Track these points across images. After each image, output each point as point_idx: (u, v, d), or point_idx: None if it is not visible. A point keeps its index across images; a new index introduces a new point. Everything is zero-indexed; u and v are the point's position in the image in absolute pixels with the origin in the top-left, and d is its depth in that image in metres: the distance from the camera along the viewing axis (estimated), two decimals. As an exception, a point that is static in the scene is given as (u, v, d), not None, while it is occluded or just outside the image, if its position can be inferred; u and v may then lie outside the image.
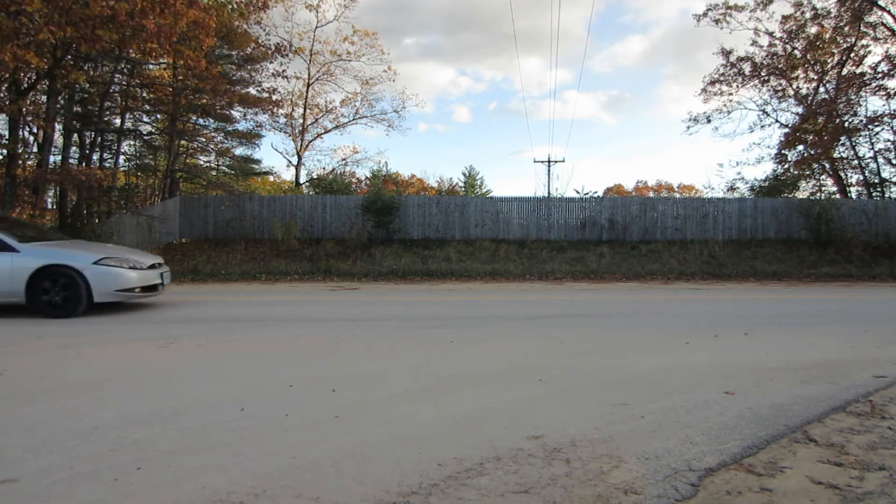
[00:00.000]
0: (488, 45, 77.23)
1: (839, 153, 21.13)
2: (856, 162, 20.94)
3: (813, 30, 20.69)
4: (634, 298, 8.49)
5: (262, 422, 2.84)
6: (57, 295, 6.33)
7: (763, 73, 21.66)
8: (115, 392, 3.39)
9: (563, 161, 31.67)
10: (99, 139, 17.47)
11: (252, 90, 18.08)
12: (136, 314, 6.70)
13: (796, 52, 21.29)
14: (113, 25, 10.76)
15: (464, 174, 39.27)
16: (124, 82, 17.00)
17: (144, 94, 18.38)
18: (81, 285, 6.34)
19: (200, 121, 21.23)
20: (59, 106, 14.64)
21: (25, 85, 12.89)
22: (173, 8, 10.91)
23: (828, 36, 20.39)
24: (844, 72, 20.35)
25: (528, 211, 16.82)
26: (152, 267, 7.08)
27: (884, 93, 18.69)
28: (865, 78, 19.14)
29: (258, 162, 26.79)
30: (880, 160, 20.42)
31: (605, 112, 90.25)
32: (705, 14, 21.65)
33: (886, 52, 18.99)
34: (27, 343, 4.89)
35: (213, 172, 24.55)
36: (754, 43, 21.67)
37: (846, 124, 19.60)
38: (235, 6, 16.18)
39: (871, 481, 2.15)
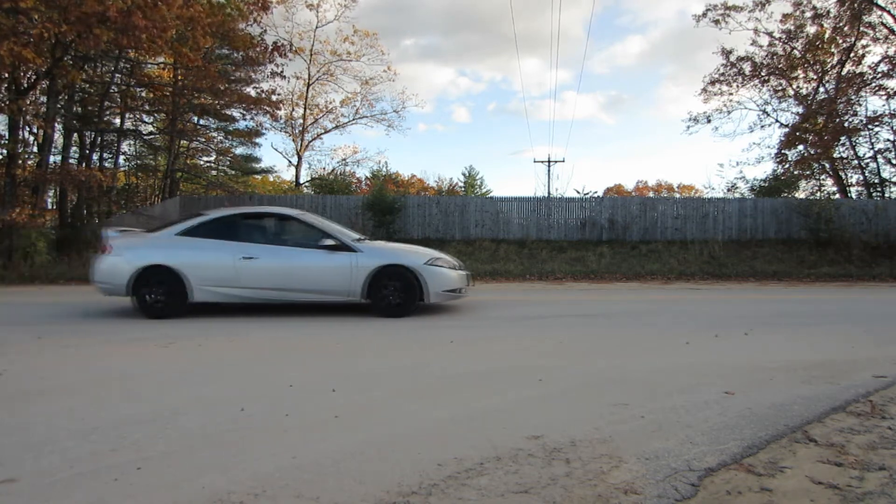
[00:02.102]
0: (487, 45, 77.25)
1: (839, 153, 21.12)
2: (856, 162, 20.93)
3: (812, 30, 20.69)
4: (634, 298, 8.49)
5: (262, 422, 2.84)
6: (394, 294, 6.38)
7: (763, 73, 21.65)
8: (116, 392, 3.39)
9: (563, 161, 31.68)
10: (99, 139, 17.47)
11: (251, 90, 18.08)
12: (136, 313, 6.70)
13: (796, 52, 21.29)
14: (107, 23, 10.75)
15: (464, 174, 39.25)
16: (124, 82, 17.00)
17: (144, 94, 18.38)
18: (416, 285, 6.36)
19: (200, 121, 21.25)
20: (59, 106, 14.64)
21: (25, 85, 12.89)
22: (165, 3, 10.89)
23: (827, 36, 20.39)
24: (844, 72, 20.34)
25: (528, 211, 16.81)
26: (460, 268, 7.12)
27: (884, 93, 18.69)
28: (865, 78, 19.14)
29: (258, 161, 26.79)
30: (880, 160, 20.42)
31: (604, 112, 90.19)
32: (704, 14, 21.64)
33: (886, 52, 18.99)
34: (27, 343, 4.89)
35: (214, 172, 24.56)
36: (754, 43, 21.67)
37: (846, 124, 19.59)
38: (235, 7, 16.17)
39: (871, 481, 2.15)
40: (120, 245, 6.37)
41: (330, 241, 6.42)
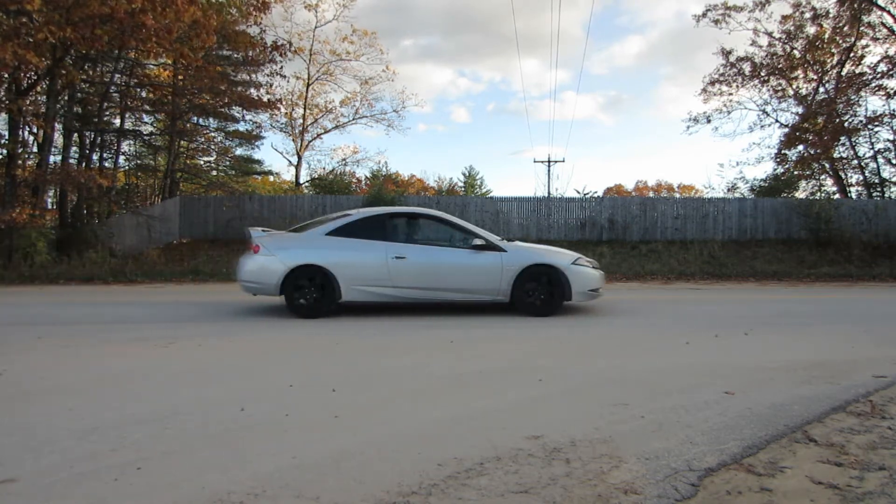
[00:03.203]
0: (486, 46, 77.24)
1: (839, 153, 21.12)
2: (856, 162, 20.93)
3: (812, 30, 20.70)
4: (634, 298, 8.49)
5: (262, 422, 2.84)
6: (540, 294, 6.41)
7: (763, 73, 21.65)
8: (115, 392, 3.39)
9: (563, 161, 31.70)
10: (99, 139, 17.46)
11: (252, 90, 18.07)
12: (136, 313, 6.70)
13: (796, 52, 21.29)
14: (112, 24, 10.75)
15: (463, 174, 39.27)
16: (124, 82, 17.00)
17: (144, 94, 18.37)
18: (563, 285, 6.37)
19: (200, 121, 21.24)
20: (59, 106, 14.64)
21: (25, 85, 12.89)
22: (174, 6, 10.91)
23: (827, 36, 20.39)
24: (844, 72, 20.35)
25: (529, 211, 16.82)
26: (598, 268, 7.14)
27: (883, 93, 18.69)
28: (865, 78, 19.13)
29: (259, 162, 26.79)
30: (880, 160, 20.42)
31: (603, 112, 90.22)
32: (704, 15, 21.66)
33: (886, 52, 18.99)
34: (27, 343, 4.89)
35: (214, 172, 24.55)
36: (754, 43, 21.67)
37: (846, 124, 19.59)
38: (236, 7, 16.18)
39: (871, 481, 2.15)
40: (270, 245, 6.39)
41: (479, 241, 6.49)
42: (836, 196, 20.42)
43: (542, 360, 4.25)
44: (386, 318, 6.30)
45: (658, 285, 10.82)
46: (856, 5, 18.67)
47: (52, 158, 14.39)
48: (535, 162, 40.72)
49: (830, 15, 19.90)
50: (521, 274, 6.35)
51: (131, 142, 21.17)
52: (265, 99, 18.00)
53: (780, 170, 21.60)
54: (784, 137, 21.43)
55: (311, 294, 6.27)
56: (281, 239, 6.56)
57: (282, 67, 17.75)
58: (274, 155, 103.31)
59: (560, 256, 6.62)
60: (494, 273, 6.36)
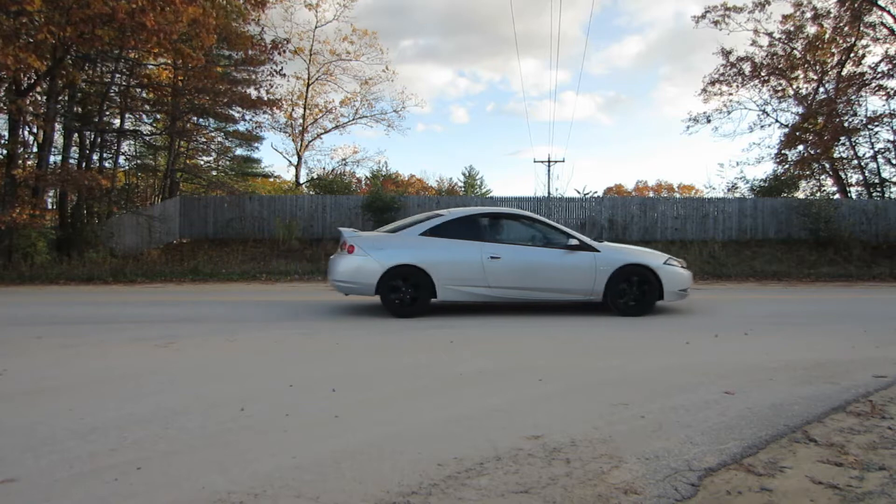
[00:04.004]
0: (485, 46, 77.26)
1: (839, 153, 21.12)
2: (856, 162, 20.93)
3: (812, 30, 20.70)
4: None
5: (262, 422, 2.84)
6: (633, 294, 6.46)
7: (763, 73, 21.66)
8: (115, 392, 3.38)
9: (563, 161, 31.69)
10: (99, 139, 17.45)
11: (251, 91, 18.07)
12: (136, 313, 6.70)
13: (796, 52, 21.29)
14: (113, 24, 10.76)
15: (463, 174, 39.28)
16: (124, 82, 16.99)
17: (144, 95, 18.37)
18: (655, 285, 6.43)
19: (200, 121, 21.24)
20: (59, 106, 14.64)
21: (25, 85, 12.88)
22: (173, 6, 10.91)
23: (827, 36, 20.39)
24: (844, 72, 20.34)
25: (529, 211, 16.81)
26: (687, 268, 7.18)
27: (883, 93, 18.70)
28: (865, 78, 19.14)
29: (258, 162, 26.84)
30: (880, 160, 20.42)
31: (602, 113, 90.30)
32: (704, 16, 21.68)
33: (886, 52, 18.98)
34: (27, 343, 4.89)
35: (214, 172, 24.55)
36: (754, 43, 21.68)
37: (846, 124, 19.59)
38: (235, 7, 16.18)
39: (871, 481, 2.15)
40: (366, 245, 6.43)
41: (574, 241, 6.54)
42: (836, 196, 20.43)
43: (542, 360, 4.25)
44: (386, 319, 6.30)
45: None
46: (856, 5, 18.67)
47: (52, 158, 14.39)
48: (535, 162, 40.77)
49: (831, 15, 19.91)
50: (615, 274, 6.41)
51: (131, 142, 21.17)
52: (265, 98, 18.01)
53: (780, 170, 21.60)
54: (784, 137, 21.44)
55: (406, 294, 6.33)
56: (376, 239, 6.61)
57: (281, 68, 17.76)
58: (274, 155, 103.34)
59: (652, 256, 6.71)
60: (588, 273, 6.42)
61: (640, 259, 6.56)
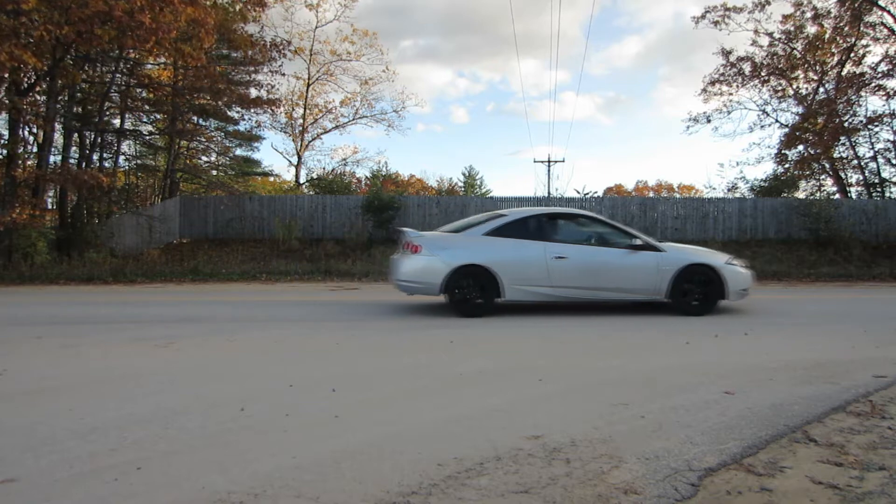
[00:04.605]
0: (485, 47, 77.27)
1: (839, 153, 21.12)
2: (856, 162, 20.93)
3: (813, 30, 20.70)
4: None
5: (262, 422, 2.84)
6: (697, 294, 6.52)
7: (763, 73, 21.66)
8: (115, 392, 3.38)
9: (563, 161, 31.69)
10: (99, 139, 17.45)
11: (251, 90, 18.07)
12: (136, 313, 6.70)
13: (796, 52, 21.28)
14: (111, 23, 10.76)
15: (463, 174, 39.30)
16: (124, 82, 16.99)
17: (144, 94, 18.36)
18: (719, 284, 6.46)
19: (200, 121, 21.23)
20: (58, 106, 14.63)
21: (25, 85, 12.88)
22: (172, 6, 10.92)
23: (828, 36, 20.39)
24: (844, 72, 20.34)
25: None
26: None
27: (883, 93, 18.70)
28: (865, 78, 19.14)
29: (258, 164, 26.80)
30: (880, 160, 20.42)
31: (602, 113, 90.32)
32: (703, 16, 21.67)
33: (886, 52, 18.98)
34: (27, 343, 4.89)
35: (214, 172, 24.55)
36: (754, 43, 21.67)
37: (846, 124, 19.59)
38: (236, 8, 16.19)
39: (871, 481, 2.15)
40: (432, 245, 6.48)
41: (638, 241, 6.60)
42: (836, 196, 20.43)
43: (541, 360, 4.25)
44: (386, 319, 6.30)
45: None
46: (856, 5, 18.67)
47: (52, 158, 14.39)
48: (535, 162, 40.80)
49: (831, 15, 19.91)
50: (679, 274, 6.45)
51: (131, 142, 21.17)
52: (265, 97, 18.01)
53: (780, 170, 21.61)
54: (784, 137, 21.44)
55: (472, 293, 6.37)
56: (442, 239, 6.66)
57: (281, 65, 17.78)
58: (274, 155, 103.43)
59: (715, 256, 6.77)
60: (652, 273, 6.47)
61: (704, 259, 6.63)
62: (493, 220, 6.76)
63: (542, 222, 6.73)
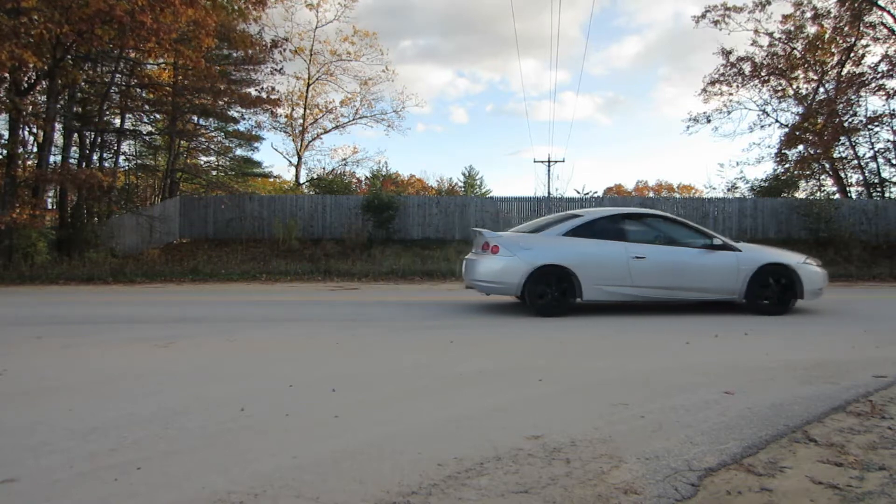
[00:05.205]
0: (485, 47, 77.28)
1: (839, 153, 21.13)
2: (856, 162, 20.93)
3: (813, 30, 20.71)
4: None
5: (262, 422, 2.83)
6: (774, 294, 6.54)
7: (763, 73, 21.66)
8: (115, 392, 3.38)
9: (563, 161, 31.69)
10: (99, 139, 17.46)
11: (252, 90, 18.08)
12: (136, 313, 6.70)
13: (796, 52, 21.28)
14: (112, 23, 10.77)
15: (463, 174, 39.30)
16: (124, 82, 16.99)
17: (144, 94, 18.37)
18: (796, 284, 6.50)
19: (200, 121, 21.24)
20: (59, 106, 14.64)
21: (25, 85, 12.89)
22: (172, 6, 10.93)
23: (827, 36, 20.39)
24: (844, 72, 20.35)
25: (529, 211, 16.82)
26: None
27: (883, 93, 18.71)
28: (865, 78, 19.14)
29: (258, 164, 26.80)
30: (880, 160, 20.43)
31: (601, 113, 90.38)
32: (704, 16, 21.67)
33: (886, 52, 18.98)
34: (27, 343, 4.89)
35: (214, 172, 24.56)
36: (754, 43, 21.68)
37: (846, 124, 19.59)
38: (236, 7, 16.19)
39: (871, 481, 2.15)
40: (512, 245, 6.50)
41: (717, 241, 6.62)
42: (836, 196, 20.43)
43: (541, 360, 4.25)
44: (386, 319, 6.30)
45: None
46: (856, 5, 18.67)
47: (52, 158, 14.41)
48: (535, 162, 40.78)
49: (831, 15, 19.91)
50: (756, 273, 6.46)
51: (131, 142, 21.18)
52: (265, 97, 18.01)
53: (781, 170, 21.62)
54: (784, 137, 21.44)
55: (551, 293, 6.37)
56: (521, 240, 6.67)
57: (282, 68, 17.79)
58: (274, 156, 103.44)
59: (791, 256, 6.78)
60: (730, 272, 6.49)
61: (781, 258, 6.64)
62: (568, 220, 6.80)
63: (618, 222, 6.76)
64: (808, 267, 6.65)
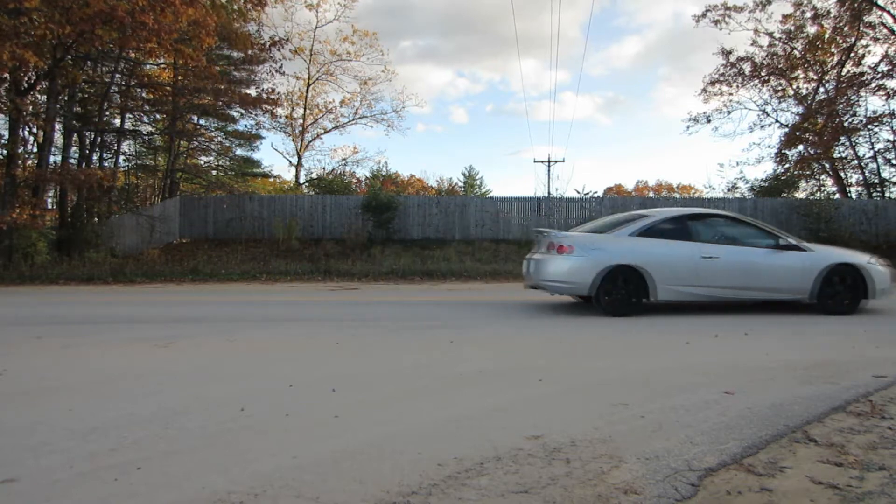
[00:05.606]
0: (484, 47, 77.32)
1: (839, 153, 21.13)
2: (856, 162, 20.94)
3: (813, 30, 20.71)
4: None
5: (262, 422, 2.83)
6: (842, 294, 6.55)
7: (763, 73, 21.66)
8: (115, 392, 3.38)
9: (563, 161, 31.70)
10: (99, 139, 17.45)
11: (252, 90, 18.08)
12: (136, 313, 6.70)
13: (796, 52, 21.29)
14: (113, 23, 10.78)
15: (463, 174, 39.29)
16: (124, 82, 16.99)
17: (144, 94, 18.37)
18: (864, 284, 6.51)
19: (201, 121, 21.24)
20: (59, 106, 14.64)
21: (25, 85, 12.89)
22: (173, 6, 10.94)
23: (827, 36, 20.40)
24: (844, 72, 20.35)
25: (529, 211, 16.82)
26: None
27: (883, 93, 18.71)
28: (865, 78, 19.14)
29: (258, 164, 26.81)
30: (880, 160, 20.43)
31: (601, 113, 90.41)
32: (704, 15, 21.68)
33: (886, 52, 18.98)
34: (27, 343, 4.89)
35: (214, 172, 24.56)
36: (754, 43, 21.69)
37: (846, 124, 19.59)
38: (236, 7, 16.20)
39: (871, 481, 2.15)
40: (582, 245, 6.52)
41: (784, 241, 6.66)
42: (836, 196, 20.43)
43: (541, 360, 4.25)
44: (386, 319, 6.30)
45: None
46: (856, 5, 18.67)
47: (52, 158, 14.41)
48: (535, 162, 40.78)
49: (831, 15, 19.92)
50: (824, 273, 6.47)
51: (131, 142, 21.18)
52: (265, 96, 18.01)
53: (781, 170, 21.62)
54: (784, 137, 21.44)
55: (622, 293, 6.40)
56: (591, 240, 6.69)
57: (281, 66, 17.79)
58: (274, 156, 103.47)
59: (859, 256, 6.79)
60: (798, 273, 6.50)
61: (849, 258, 6.66)
62: (637, 220, 6.80)
63: (686, 223, 6.77)
64: (874, 267, 6.66)
